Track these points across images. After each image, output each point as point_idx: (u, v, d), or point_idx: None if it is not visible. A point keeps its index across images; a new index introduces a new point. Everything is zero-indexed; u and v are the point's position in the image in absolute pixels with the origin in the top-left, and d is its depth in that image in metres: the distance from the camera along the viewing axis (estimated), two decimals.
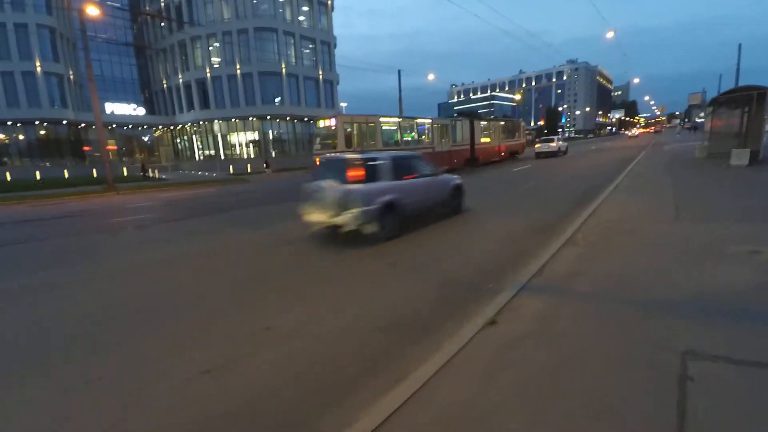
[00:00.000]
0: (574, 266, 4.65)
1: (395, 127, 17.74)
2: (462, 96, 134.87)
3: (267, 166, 34.83)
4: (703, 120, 65.97)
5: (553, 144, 27.44)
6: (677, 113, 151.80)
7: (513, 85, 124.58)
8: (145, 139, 53.64)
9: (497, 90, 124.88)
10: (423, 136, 19.28)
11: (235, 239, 7.75)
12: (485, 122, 24.52)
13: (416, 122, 18.93)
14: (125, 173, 36.31)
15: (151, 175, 33.46)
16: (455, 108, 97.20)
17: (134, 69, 55.30)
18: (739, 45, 34.98)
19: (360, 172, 6.43)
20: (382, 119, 17.05)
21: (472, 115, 23.61)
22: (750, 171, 11.24)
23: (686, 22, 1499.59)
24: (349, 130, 15.57)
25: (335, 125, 15.32)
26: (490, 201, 10.57)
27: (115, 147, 49.59)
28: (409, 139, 18.59)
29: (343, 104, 79.33)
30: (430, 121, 19.44)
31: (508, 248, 5.94)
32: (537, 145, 28.44)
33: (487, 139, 24.21)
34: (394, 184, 6.92)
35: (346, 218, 6.22)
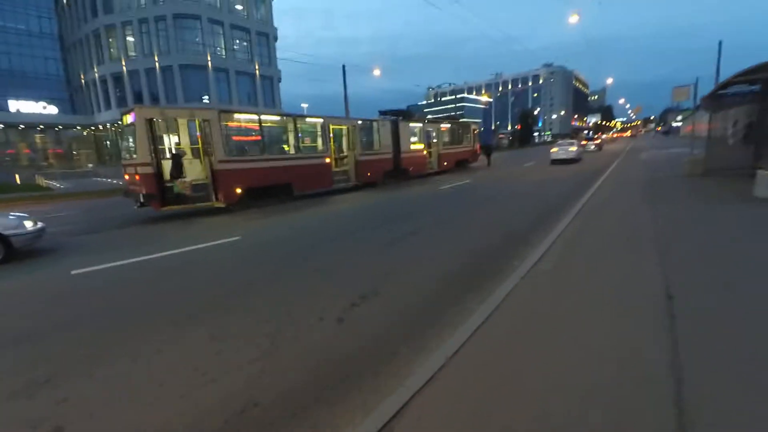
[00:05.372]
0: None
1: (257, 129, 11.94)
2: (439, 98, 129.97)
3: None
4: (680, 124, 62.13)
5: (573, 148, 22.55)
6: (652, 117, 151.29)
7: (489, 88, 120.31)
8: (63, 141, 46.68)
9: (474, 93, 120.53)
10: (307, 141, 13.90)
11: None
12: (418, 124, 19.16)
13: (300, 123, 13.30)
14: (18, 181, 30.01)
15: (42, 184, 27.23)
16: (409, 109, 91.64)
17: (53, 63, 48.63)
18: (720, 42, 30.76)
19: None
20: (235, 116, 11.49)
21: (400, 115, 18.28)
22: None
23: (653, 32, 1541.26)
24: (155, 130, 10.08)
25: (133, 121, 9.77)
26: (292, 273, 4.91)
27: (29, 150, 43.30)
28: (287, 147, 12.93)
29: (304, 105, 73.26)
30: (322, 120, 13.85)
31: None
32: (553, 150, 23.39)
33: (420, 146, 18.88)
34: None
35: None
